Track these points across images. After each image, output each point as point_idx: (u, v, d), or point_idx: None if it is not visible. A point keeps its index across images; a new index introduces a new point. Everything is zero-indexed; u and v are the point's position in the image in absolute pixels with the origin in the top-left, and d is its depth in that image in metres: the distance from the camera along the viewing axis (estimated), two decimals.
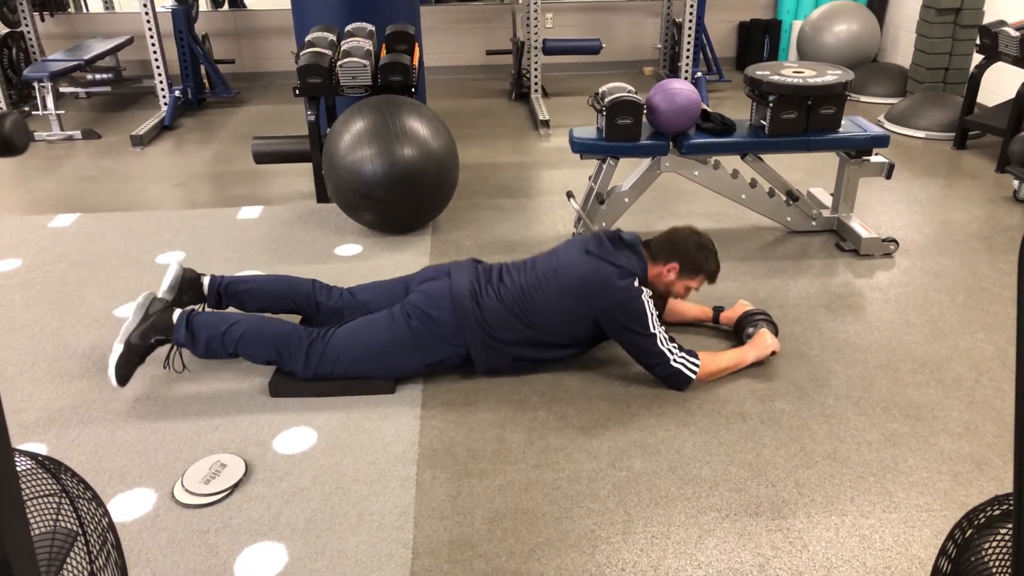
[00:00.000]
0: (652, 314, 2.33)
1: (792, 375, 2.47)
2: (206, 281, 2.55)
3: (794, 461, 2.10)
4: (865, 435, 2.19)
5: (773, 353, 2.51)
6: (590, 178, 3.47)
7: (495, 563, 1.79)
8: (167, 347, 2.40)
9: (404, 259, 3.27)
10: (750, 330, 2.57)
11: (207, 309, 2.53)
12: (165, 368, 2.44)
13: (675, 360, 2.34)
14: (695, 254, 2.44)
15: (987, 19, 4.85)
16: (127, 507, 1.95)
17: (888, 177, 3.33)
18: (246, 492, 2.00)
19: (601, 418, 2.28)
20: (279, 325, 2.37)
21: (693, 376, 2.36)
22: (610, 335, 2.40)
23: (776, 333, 2.57)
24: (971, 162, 4.38)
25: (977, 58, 4.50)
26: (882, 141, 3.23)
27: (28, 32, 5.82)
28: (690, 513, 1.92)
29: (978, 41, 4.38)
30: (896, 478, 2.03)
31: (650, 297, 2.35)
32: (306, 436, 2.20)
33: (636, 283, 2.34)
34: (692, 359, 2.36)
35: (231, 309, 2.56)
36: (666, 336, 2.35)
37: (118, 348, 2.29)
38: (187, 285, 2.51)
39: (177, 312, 2.37)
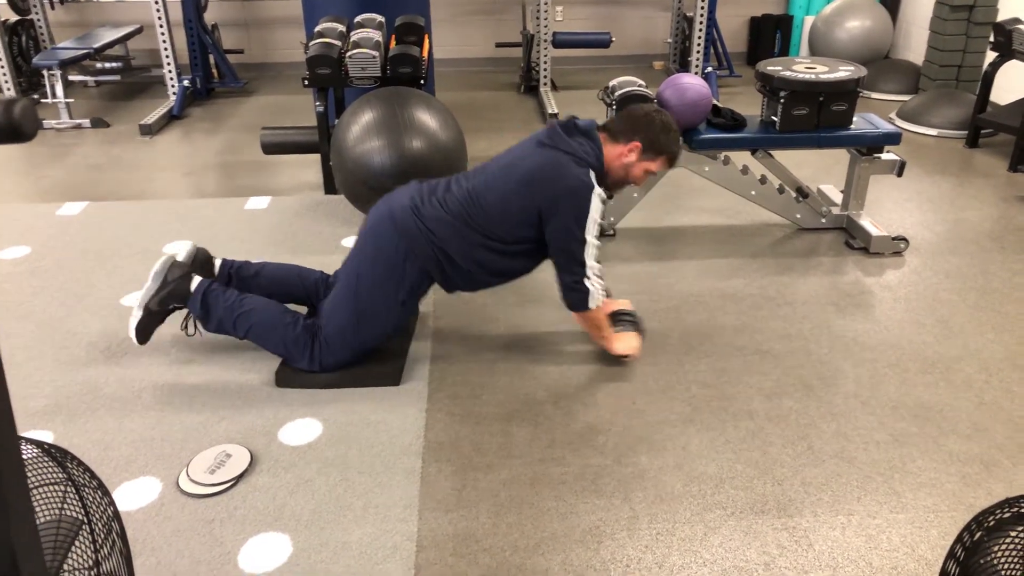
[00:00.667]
0: (595, 221, 2.25)
1: (800, 373, 2.46)
2: (217, 263, 2.55)
3: (801, 460, 2.08)
4: (873, 435, 2.18)
5: (627, 357, 2.48)
6: None
7: (499, 557, 1.78)
8: (186, 311, 2.43)
9: None
10: (618, 328, 2.54)
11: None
12: (182, 329, 2.45)
13: (592, 280, 2.30)
14: (659, 134, 2.33)
15: (1001, 16, 4.81)
16: (133, 496, 1.95)
17: (899, 175, 3.31)
18: (251, 482, 2.00)
19: (607, 414, 2.27)
20: (288, 324, 2.36)
21: (594, 305, 2.32)
22: (546, 230, 2.27)
23: (641, 332, 2.55)
24: (983, 161, 4.35)
25: (991, 56, 4.46)
26: (894, 139, 3.21)
27: (38, 20, 5.82)
28: (695, 510, 1.92)
29: (992, 38, 4.34)
30: (904, 478, 2.02)
31: (602, 201, 2.26)
32: (311, 427, 2.20)
33: (591, 176, 2.25)
34: (602, 291, 2.33)
35: None
36: (596, 253, 2.29)
37: (137, 314, 2.37)
38: (200, 264, 2.50)
39: (196, 281, 2.39)
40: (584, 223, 2.24)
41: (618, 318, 2.57)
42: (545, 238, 2.30)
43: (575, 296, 2.32)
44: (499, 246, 2.32)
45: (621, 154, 2.33)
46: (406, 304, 2.38)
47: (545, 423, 2.23)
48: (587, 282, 2.29)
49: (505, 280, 2.48)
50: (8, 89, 5.20)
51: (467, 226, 2.29)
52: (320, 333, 2.35)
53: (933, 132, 4.77)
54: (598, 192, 2.25)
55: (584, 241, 2.25)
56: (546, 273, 3.08)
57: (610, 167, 2.34)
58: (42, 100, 5.24)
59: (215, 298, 2.36)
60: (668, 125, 2.36)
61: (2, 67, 5.12)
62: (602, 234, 3.40)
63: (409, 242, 2.30)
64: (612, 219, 3.41)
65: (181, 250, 2.49)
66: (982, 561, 1.24)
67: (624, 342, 2.48)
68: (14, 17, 5.64)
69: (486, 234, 2.30)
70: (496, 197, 2.29)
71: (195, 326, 2.44)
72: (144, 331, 2.41)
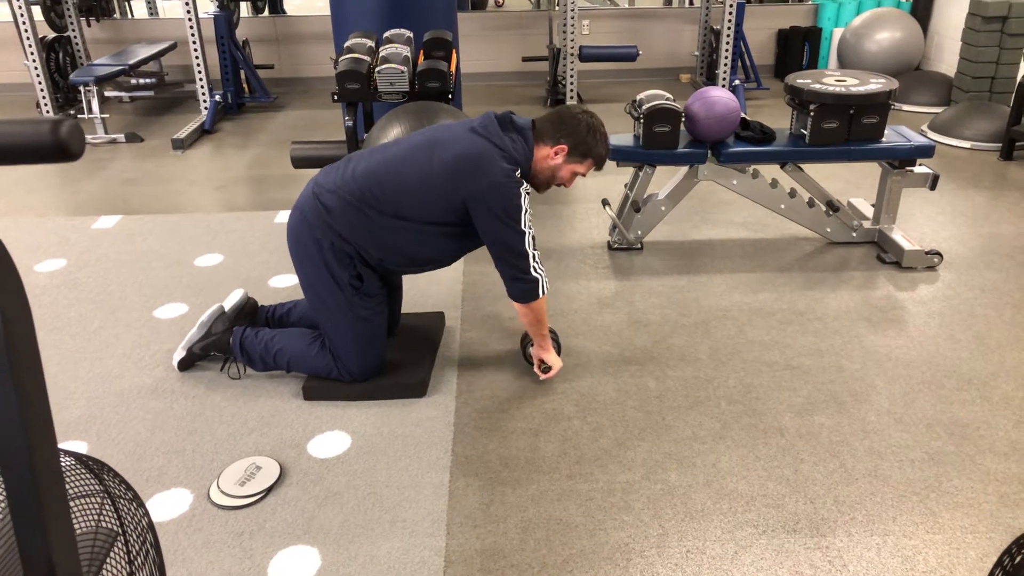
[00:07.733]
0: (527, 211, 2.18)
1: (831, 389, 2.42)
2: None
3: (833, 477, 2.05)
4: (907, 453, 2.14)
5: (549, 371, 2.45)
6: (626, 186, 3.45)
7: (527, 573, 1.77)
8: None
9: None
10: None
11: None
12: (221, 372, 2.53)
13: (537, 269, 2.24)
14: (586, 136, 2.26)
15: None
16: (165, 507, 1.97)
17: (932, 188, 3.26)
18: (280, 495, 2.01)
19: (635, 429, 2.26)
20: (312, 347, 2.40)
21: (541, 295, 2.26)
22: (477, 225, 2.20)
23: (559, 353, 2.51)
24: (1018, 173, 4.27)
25: None
26: (927, 151, 3.16)
27: (75, 37, 5.96)
28: (726, 528, 1.89)
29: None
30: (940, 498, 1.98)
31: (528, 194, 2.21)
32: (340, 440, 2.21)
33: (518, 173, 2.19)
34: (546, 280, 2.27)
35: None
36: (535, 242, 2.24)
37: (181, 353, 2.53)
38: (246, 314, 2.59)
39: (234, 333, 2.49)
40: (517, 215, 2.17)
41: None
42: (477, 230, 2.23)
43: (521, 287, 2.25)
44: (413, 226, 2.21)
45: (547, 156, 2.28)
46: (359, 290, 2.28)
47: (573, 438, 2.22)
48: (534, 273, 2.24)
49: (419, 266, 2.35)
50: (46, 104, 5.32)
51: (369, 205, 2.19)
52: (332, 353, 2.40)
53: (966, 145, 4.70)
54: (524, 187, 2.20)
55: (522, 232, 2.19)
56: (572, 285, 3.09)
57: (537, 167, 2.29)
58: (78, 115, 5.36)
59: (250, 344, 2.45)
60: (595, 128, 2.30)
61: (40, 83, 5.24)
62: (629, 248, 3.40)
63: (314, 229, 2.23)
64: (640, 232, 3.40)
65: (232, 298, 2.58)
66: None
67: (552, 355, 2.45)
68: (52, 34, 5.78)
69: (393, 212, 2.19)
70: (417, 173, 2.19)
71: (238, 370, 2.52)
72: (185, 365, 2.56)
